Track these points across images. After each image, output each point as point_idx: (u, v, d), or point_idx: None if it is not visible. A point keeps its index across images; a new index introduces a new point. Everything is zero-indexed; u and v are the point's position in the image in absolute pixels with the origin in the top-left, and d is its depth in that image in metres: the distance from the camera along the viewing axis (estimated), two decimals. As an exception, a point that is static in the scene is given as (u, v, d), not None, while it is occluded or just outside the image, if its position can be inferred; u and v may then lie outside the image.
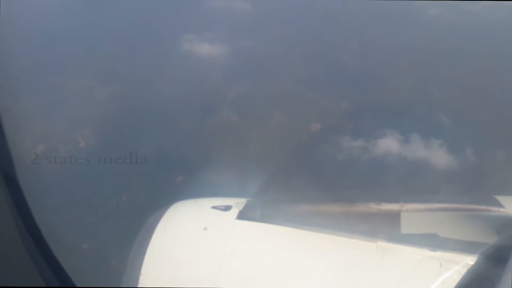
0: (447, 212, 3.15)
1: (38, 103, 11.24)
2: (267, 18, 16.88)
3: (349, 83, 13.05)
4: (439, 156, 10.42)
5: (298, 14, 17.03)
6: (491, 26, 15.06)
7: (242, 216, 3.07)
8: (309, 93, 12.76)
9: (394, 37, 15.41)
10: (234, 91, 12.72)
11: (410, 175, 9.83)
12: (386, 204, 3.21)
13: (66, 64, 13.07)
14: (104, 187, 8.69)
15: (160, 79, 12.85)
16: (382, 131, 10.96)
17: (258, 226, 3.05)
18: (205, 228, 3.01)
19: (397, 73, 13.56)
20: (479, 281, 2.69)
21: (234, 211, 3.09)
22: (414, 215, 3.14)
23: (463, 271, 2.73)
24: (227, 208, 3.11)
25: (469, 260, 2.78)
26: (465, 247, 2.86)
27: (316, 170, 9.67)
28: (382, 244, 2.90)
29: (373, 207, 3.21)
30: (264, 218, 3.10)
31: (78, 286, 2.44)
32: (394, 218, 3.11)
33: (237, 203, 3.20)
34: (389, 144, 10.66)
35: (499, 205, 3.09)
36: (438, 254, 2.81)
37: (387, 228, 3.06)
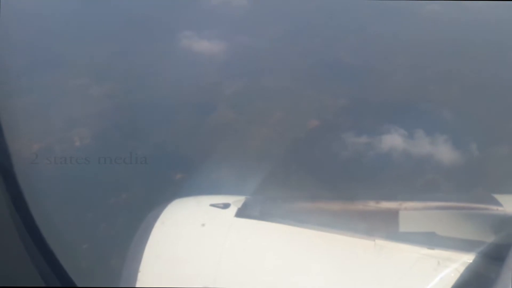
0: (446, 210, 3.16)
1: (37, 103, 11.23)
2: (265, 15, 16.86)
3: (347, 80, 13.06)
4: (438, 153, 10.43)
5: (296, 10, 17.00)
6: (492, 21, 15.05)
7: (240, 213, 3.08)
8: (307, 90, 12.76)
9: (394, 32, 15.41)
10: (233, 88, 12.71)
11: (408, 172, 9.85)
12: (385, 202, 3.22)
13: (63, 62, 13.03)
14: (103, 186, 8.67)
15: (159, 76, 12.83)
16: (381, 128, 10.97)
17: (257, 223, 3.05)
18: (203, 225, 3.01)
19: (396, 69, 13.57)
20: (477, 279, 2.70)
21: (233, 209, 3.10)
22: (412, 213, 3.14)
23: (461, 269, 2.74)
24: (226, 205, 3.12)
25: (467, 259, 2.79)
26: (463, 245, 2.87)
27: (314, 168, 9.68)
28: (380, 242, 2.91)
29: (372, 205, 3.21)
30: (262, 216, 3.10)
31: (78, 285, 2.44)
32: (392, 216, 3.11)
33: (236, 201, 3.20)
34: (389, 141, 10.67)
35: (498, 203, 3.10)
36: (436, 252, 2.81)
37: (385, 226, 3.07)
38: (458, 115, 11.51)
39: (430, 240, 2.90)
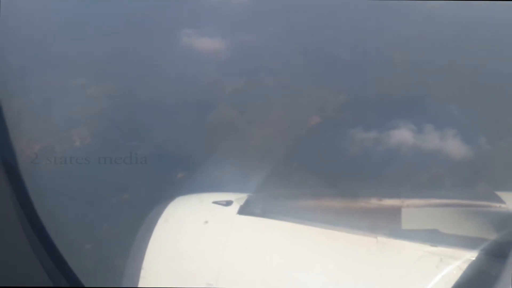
0: (448, 208, 3.16)
1: (37, 103, 11.21)
2: (265, 12, 16.82)
3: (346, 77, 13.04)
4: (441, 150, 10.41)
5: (296, 7, 16.97)
6: (492, 18, 15.00)
7: (243, 211, 3.08)
8: (307, 87, 12.73)
9: (393, 29, 15.36)
10: (233, 86, 12.70)
11: (411, 169, 9.83)
12: (387, 199, 3.22)
13: (62, 61, 12.99)
14: (104, 186, 8.66)
15: (159, 75, 12.80)
16: (382, 125, 10.94)
17: (259, 221, 3.05)
18: (206, 222, 3.02)
19: (395, 65, 13.53)
20: (480, 276, 2.70)
21: (235, 206, 3.10)
22: (414, 210, 3.15)
23: (464, 266, 2.74)
24: (228, 203, 3.12)
25: (470, 256, 2.79)
26: (465, 242, 2.87)
27: (316, 165, 9.67)
28: (382, 239, 2.91)
29: (374, 202, 3.22)
30: (264, 213, 3.11)
31: (83, 285, 2.45)
32: (394, 213, 3.12)
33: (238, 198, 3.21)
34: (390, 138, 10.65)
35: (500, 201, 3.10)
36: (439, 249, 2.81)
37: (387, 223, 3.07)
38: (460, 111, 11.48)
39: (432, 237, 2.90)
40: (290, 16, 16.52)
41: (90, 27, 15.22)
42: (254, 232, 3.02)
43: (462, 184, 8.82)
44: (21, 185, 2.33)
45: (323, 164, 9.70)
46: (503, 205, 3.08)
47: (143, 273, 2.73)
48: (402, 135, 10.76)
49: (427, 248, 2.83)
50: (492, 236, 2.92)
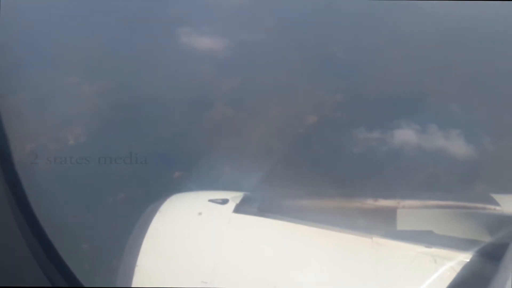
0: (443, 209, 3.17)
1: (36, 102, 11.14)
2: (262, 10, 16.80)
3: (344, 75, 13.05)
4: (438, 150, 10.43)
5: (294, 5, 16.98)
6: (490, 15, 15.03)
7: (239, 209, 3.08)
8: (305, 85, 12.73)
9: (391, 27, 15.42)
10: (231, 84, 12.67)
11: (407, 170, 9.83)
12: (383, 200, 3.23)
13: (58, 59, 12.91)
14: (102, 185, 8.61)
15: (155, 73, 12.75)
16: (379, 124, 10.94)
17: (255, 219, 3.05)
18: (202, 220, 3.02)
19: (393, 64, 13.56)
20: (474, 278, 2.71)
21: (231, 204, 3.10)
22: (410, 211, 3.16)
23: (458, 268, 2.75)
24: (224, 201, 3.12)
25: (464, 257, 2.80)
26: (460, 244, 2.88)
27: (312, 164, 9.67)
28: (377, 240, 2.92)
29: (370, 203, 3.22)
30: (260, 212, 3.10)
31: (81, 283, 2.44)
32: (390, 214, 3.12)
33: (234, 197, 3.21)
34: (387, 138, 10.65)
35: (495, 203, 3.12)
36: (434, 250, 2.82)
37: (383, 224, 3.08)
38: (457, 112, 11.50)
39: (427, 238, 2.91)
40: (287, 14, 16.54)
41: (87, 24, 15.16)
42: (249, 230, 3.02)
43: (457, 185, 8.85)
44: (18, 185, 2.32)
45: (319, 163, 9.70)
46: (498, 207, 3.10)
47: (137, 270, 2.73)
48: (399, 135, 10.78)
49: (422, 249, 2.84)
50: (487, 238, 2.94)
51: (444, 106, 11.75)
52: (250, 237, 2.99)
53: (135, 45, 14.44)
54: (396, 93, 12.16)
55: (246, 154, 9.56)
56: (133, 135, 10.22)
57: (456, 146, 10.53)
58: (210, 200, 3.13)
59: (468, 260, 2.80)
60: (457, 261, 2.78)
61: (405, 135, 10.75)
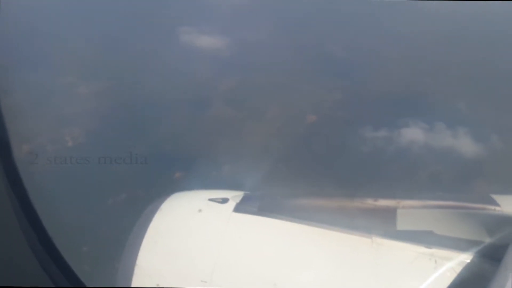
0: (443, 209, 3.17)
1: (36, 102, 11.12)
2: (261, 10, 16.80)
3: (342, 75, 13.08)
4: (437, 150, 10.43)
5: (292, 5, 16.99)
6: (488, 13, 15.03)
7: (238, 208, 3.08)
8: (304, 85, 12.74)
9: (388, 27, 15.44)
10: (230, 84, 12.67)
11: (407, 169, 9.83)
12: (383, 200, 3.22)
13: (58, 61, 12.91)
14: (102, 186, 8.59)
15: (155, 73, 12.74)
16: (378, 124, 10.95)
17: (254, 219, 3.05)
18: (202, 219, 3.02)
19: (391, 63, 13.58)
20: (473, 278, 2.70)
21: (231, 204, 3.10)
22: (410, 211, 3.15)
23: (458, 268, 2.74)
24: (224, 200, 3.12)
25: (464, 258, 2.80)
26: (460, 245, 2.88)
27: (312, 164, 9.67)
28: (377, 240, 2.91)
29: (370, 203, 3.22)
30: (260, 212, 3.10)
31: (84, 283, 2.44)
32: (390, 214, 3.12)
33: (234, 196, 3.20)
34: (386, 137, 10.66)
35: (495, 203, 3.11)
36: (433, 251, 2.82)
37: (383, 224, 3.07)
38: (457, 112, 11.50)
39: (427, 238, 2.91)
40: (288, 14, 16.54)
41: (87, 25, 15.15)
42: (249, 230, 3.02)
43: (457, 184, 8.85)
44: (20, 185, 2.32)
45: (319, 163, 9.70)
46: (498, 208, 3.09)
47: (137, 268, 2.73)
48: (398, 134, 10.78)
49: (421, 249, 2.83)
50: (487, 239, 2.93)
51: (443, 105, 11.76)
52: (250, 236, 2.99)
53: (135, 45, 14.44)
54: (395, 92, 12.18)
55: (246, 153, 9.56)
56: (134, 136, 10.21)
57: (455, 144, 10.53)
58: (210, 199, 3.13)
59: (468, 260, 2.79)
60: (457, 261, 2.77)
61: (404, 134, 10.76)
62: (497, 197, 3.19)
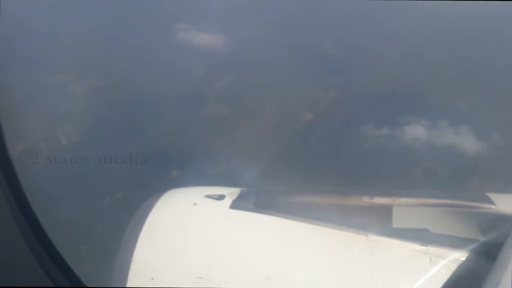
0: (439, 208, 3.18)
1: (36, 103, 11.06)
2: (257, 8, 16.77)
3: (338, 73, 13.09)
4: (434, 148, 10.44)
5: (290, 3, 16.97)
6: (492, 16, 15.05)
7: (235, 205, 3.08)
8: (300, 82, 12.74)
9: (385, 27, 15.45)
10: (226, 82, 12.65)
11: (403, 167, 9.84)
12: (379, 198, 3.23)
13: (55, 60, 12.84)
14: (99, 185, 8.55)
15: (151, 72, 12.70)
16: (373, 122, 10.95)
17: (251, 215, 3.05)
18: (198, 215, 3.03)
19: (387, 63, 13.61)
20: (468, 276, 2.72)
21: (228, 200, 3.10)
22: (406, 209, 3.16)
23: (453, 266, 2.75)
24: (220, 197, 3.12)
25: (459, 256, 2.81)
26: (455, 243, 2.89)
27: (308, 161, 9.68)
28: (373, 237, 2.92)
29: (366, 200, 3.23)
30: (256, 208, 3.10)
31: (84, 283, 2.43)
32: (386, 212, 3.13)
33: (231, 193, 3.21)
34: (383, 135, 10.66)
35: (491, 202, 3.12)
36: (429, 249, 2.83)
37: (379, 221, 3.08)
38: (454, 110, 11.51)
39: (423, 236, 2.92)
40: (284, 12, 16.52)
41: (83, 22, 15.07)
42: (245, 226, 3.02)
43: (453, 184, 8.87)
44: (18, 185, 2.31)
45: (315, 160, 9.71)
46: (493, 207, 3.11)
47: (133, 265, 2.72)
48: (395, 132, 10.79)
49: (417, 247, 2.85)
50: (482, 237, 2.95)
51: (438, 103, 11.77)
52: (246, 233, 2.99)
53: (131, 43, 14.39)
54: (391, 90, 12.18)
55: (243, 151, 9.56)
56: (130, 134, 10.17)
57: (451, 142, 10.56)
58: (207, 196, 3.13)
59: (463, 258, 2.81)
60: (452, 259, 2.79)
61: (400, 132, 10.77)
62: (492, 196, 3.21)
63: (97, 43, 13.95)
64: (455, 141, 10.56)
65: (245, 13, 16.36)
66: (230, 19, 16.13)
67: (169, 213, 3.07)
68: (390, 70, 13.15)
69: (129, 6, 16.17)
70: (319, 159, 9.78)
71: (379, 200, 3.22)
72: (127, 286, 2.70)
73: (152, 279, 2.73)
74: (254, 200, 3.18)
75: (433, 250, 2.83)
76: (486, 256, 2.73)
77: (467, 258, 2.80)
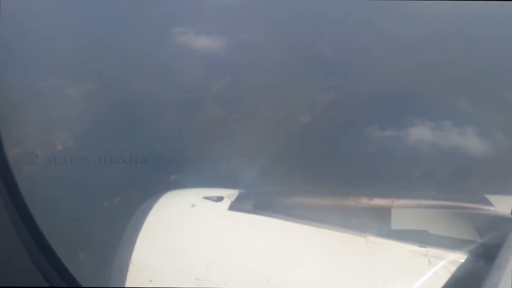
0: (438, 209, 3.18)
1: (36, 103, 11.05)
2: (255, 11, 16.80)
3: (336, 75, 13.12)
4: (433, 149, 10.45)
5: (286, 5, 17.01)
6: (491, 16, 15.08)
7: (233, 207, 3.08)
8: (298, 85, 12.76)
9: (383, 29, 15.48)
10: (224, 85, 12.66)
11: (402, 169, 9.85)
12: (377, 199, 3.23)
13: (53, 63, 12.84)
14: (97, 188, 8.53)
15: (149, 74, 12.70)
16: (374, 123, 10.96)
17: (249, 217, 3.05)
18: (197, 217, 3.02)
19: (384, 64, 13.64)
20: (467, 278, 2.71)
21: (226, 202, 3.10)
22: (404, 211, 3.16)
23: (451, 267, 2.75)
24: (219, 198, 3.12)
25: (458, 257, 2.81)
26: (454, 244, 2.89)
27: (307, 163, 9.68)
28: (372, 239, 2.92)
29: (364, 202, 3.22)
30: (255, 210, 3.10)
31: (79, 283, 2.43)
32: (384, 213, 3.13)
33: (229, 194, 3.20)
34: (382, 136, 10.67)
35: (489, 204, 3.12)
36: (428, 250, 2.83)
37: (377, 223, 3.08)
38: (453, 111, 11.53)
39: (421, 238, 2.91)
40: (281, 14, 16.55)
41: (80, 25, 15.07)
42: (244, 228, 3.01)
43: (452, 185, 8.88)
44: (15, 186, 2.31)
45: (314, 162, 9.72)
46: (491, 208, 3.11)
47: (131, 266, 2.72)
48: (392, 133, 10.80)
49: (416, 249, 2.84)
50: (480, 239, 2.95)
51: (436, 104, 11.81)
52: (245, 234, 2.99)
53: (129, 46, 14.41)
54: (388, 91, 12.21)
55: (241, 152, 9.56)
56: (128, 137, 10.16)
57: (449, 144, 10.57)
58: (205, 197, 3.12)
59: (461, 260, 2.80)
60: (450, 260, 2.78)
61: (398, 134, 10.78)
62: (491, 197, 3.21)
63: (95, 46, 13.97)
64: (455, 141, 10.59)
65: (242, 15, 16.39)
66: (227, 22, 16.17)
67: (168, 214, 3.07)
68: (389, 71, 13.19)
69: (127, 9, 16.20)
70: (317, 160, 9.79)
71: (378, 202, 3.21)
72: None
73: (151, 280, 2.72)
74: (252, 201, 3.18)
75: (432, 251, 2.82)
76: (485, 257, 2.73)
77: (466, 260, 2.79)
